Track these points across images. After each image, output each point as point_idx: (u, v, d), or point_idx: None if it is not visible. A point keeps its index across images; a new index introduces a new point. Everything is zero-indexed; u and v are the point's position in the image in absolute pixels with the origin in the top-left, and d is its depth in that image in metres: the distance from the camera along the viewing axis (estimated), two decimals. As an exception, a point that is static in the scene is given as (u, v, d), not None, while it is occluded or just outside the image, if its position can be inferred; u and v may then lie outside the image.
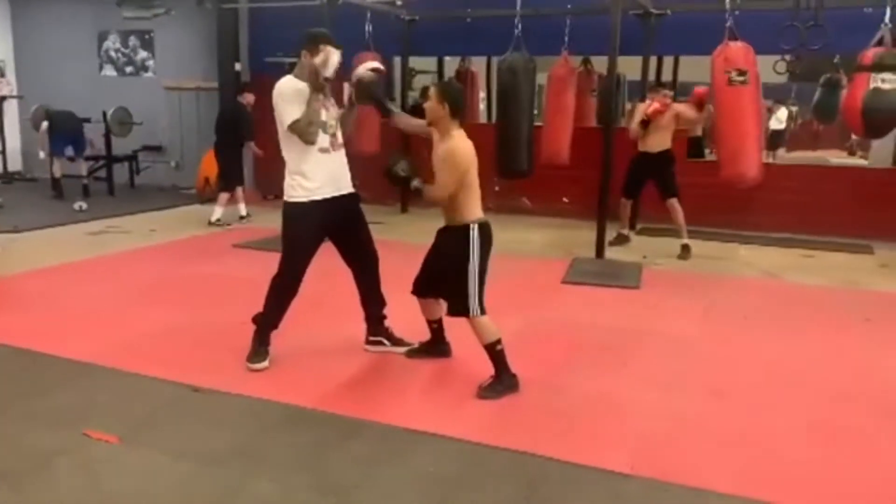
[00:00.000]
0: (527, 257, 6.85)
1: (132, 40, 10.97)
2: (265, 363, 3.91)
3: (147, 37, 10.86)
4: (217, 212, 8.06)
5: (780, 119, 14.63)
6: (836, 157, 14.30)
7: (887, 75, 5.73)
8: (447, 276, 3.66)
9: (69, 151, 9.46)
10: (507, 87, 6.81)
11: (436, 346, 4.09)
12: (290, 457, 3.00)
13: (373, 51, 8.09)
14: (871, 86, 5.77)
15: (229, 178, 8.20)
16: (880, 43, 5.94)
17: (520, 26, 6.72)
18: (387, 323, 4.21)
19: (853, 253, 7.13)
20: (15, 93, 11.62)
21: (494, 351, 3.64)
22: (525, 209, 9.11)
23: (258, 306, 4.06)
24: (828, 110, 8.78)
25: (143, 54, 10.96)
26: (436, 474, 2.86)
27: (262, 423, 3.30)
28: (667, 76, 9.29)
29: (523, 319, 4.83)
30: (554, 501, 2.72)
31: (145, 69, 11.01)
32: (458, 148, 3.53)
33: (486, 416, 3.40)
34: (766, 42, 6.47)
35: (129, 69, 11.11)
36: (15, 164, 11.55)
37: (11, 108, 11.59)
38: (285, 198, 3.87)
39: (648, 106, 6.77)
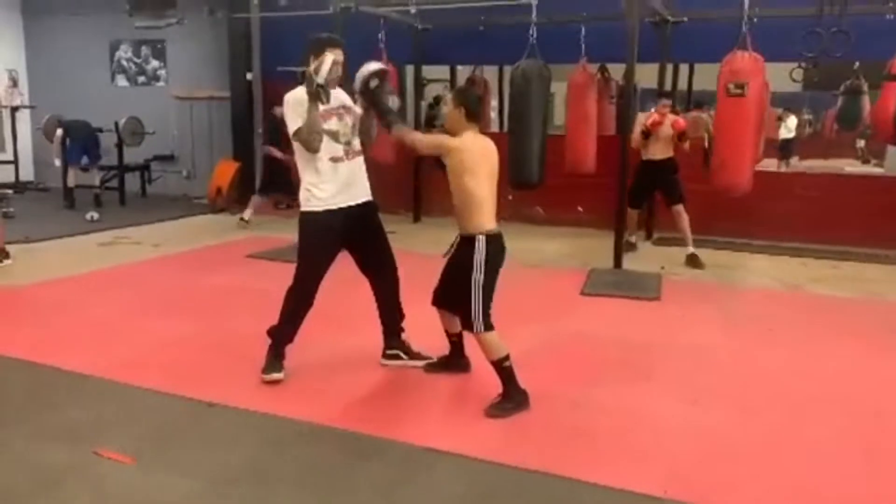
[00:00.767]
0: (543, 267, 6.75)
1: (144, 50, 10.96)
2: (280, 374, 3.82)
3: (159, 46, 10.85)
4: (247, 212, 8.38)
5: (789, 128, 14.46)
6: (850, 166, 14.15)
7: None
8: (457, 287, 3.55)
9: (84, 161, 9.45)
10: (520, 95, 6.70)
11: (454, 360, 3.97)
12: (305, 477, 2.90)
13: (384, 59, 8.04)
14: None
15: (269, 186, 8.40)
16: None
17: (535, 33, 6.63)
18: (405, 336, 4.11)
19: (874, 263, 6.98)
20: (27, 103, 11.63)
21: (502, 367, 3.50)
22: (539, 218, 9.00)
23: (272, 318, 3.98)
24: (851, 118, 8.66)
25: (154, 64, 10.95)
26: (458, 495, 2.75)
27: (277, 440, 3.20)
28: (682, 84, 9.22)
29: (543, 331, 4.72)
30: (582, 525, 2.62)
31: (157, 79, 10.99)
32: (462, 139, 3.47)
33: (509, 434, 3.29)
34: (784, 49, 6.37)
35: (140, 79, 11.10)
36: (27, 173, 11.54)
37: (24, 117, 11.59)
38: (301, 208, 3.80)
39: (648, 117, 6.79)
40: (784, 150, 13.69)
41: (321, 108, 3.63)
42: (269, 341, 3.90)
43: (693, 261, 6.73)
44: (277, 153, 8.07)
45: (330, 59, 3.63)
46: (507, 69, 11.12)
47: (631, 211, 7.11)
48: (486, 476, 2.91)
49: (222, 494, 2.76)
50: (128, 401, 3.60)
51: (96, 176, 9.70)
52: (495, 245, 3.50)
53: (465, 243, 3.55)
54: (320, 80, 3.60)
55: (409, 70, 9.15)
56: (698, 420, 3.45)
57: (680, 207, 6.78)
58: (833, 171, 11.72)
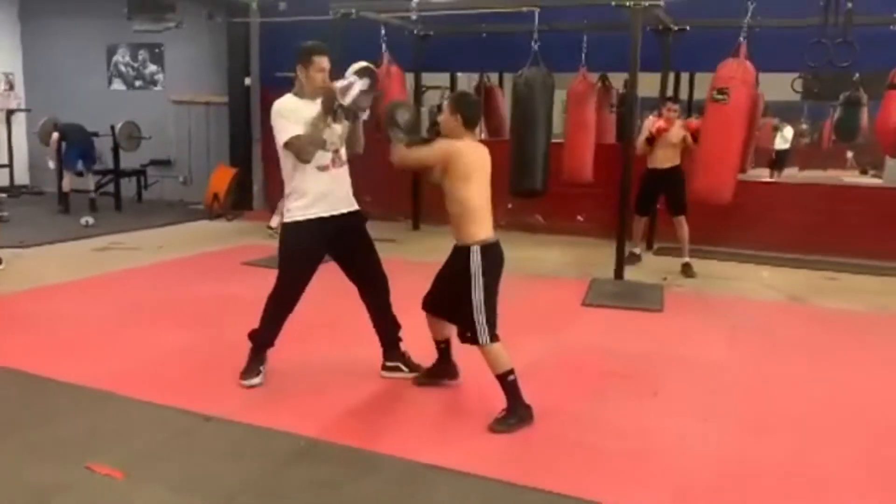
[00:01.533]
0: (543, 277, 6.68)
1: (142, 54, 10.89)
2: (258, 380, 3.82)
3: (157, 51, 10.78)
4: (274, 220, 8.13)
5: (785, 138, 14.38)
6: (848, 177, 14.10)
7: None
8: (454, 300, 3.45)
9: (79, 165, 9.36)
10: (524, 103, 6.65)
11: (443, 367, 3.87)
12: (304, 494, 2.81)
13: (393, 63, 7.97)
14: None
15: None
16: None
17: (538, 42, 6.57)
18: (403, 347, 4.03)
19: (877, 275, 6.92)
20: (23, 106, 11.53)
21: (506, 381, 3.41)
22: (538, 227, 8.94)
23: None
24: (849, 129, 8.62)
25: (152, 68, 10.88)
26: (463, 517, 2.67)
27: (275, 456, 3.10)
28: (681, 93, 9.17)
29: (544, 344, 4.64)
30: (591, 548, 2.53)
31: (154, 83, 10.91)
32: (456, 142, 3.38)
33: (512, 449, 3.21)
34: (786, 59, 6.31)
35: (138, 83, 11.02)
36: (22, 177, 11.44)
37: (19, 121, 11.50)
38: (283, 219, 3.78)
39: (653, 123, 6.67)
40: (778, 160, 13.63)
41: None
42: (250, 345, 3.88)
43: (686, 270, 6.70)
44: None
45: (360, 85, 3.54)
46: (507, 76, 11.20)
47: (637, 218, 7.04)
48: (489, 493, 2.82)
49: (220, 513, 2.68)
50: (122, 413, 3.51)
51: (91, 180, 9.60)
52: (491, 254, 3.41)
53: (459, 253, 3.45)
54: (346, 101, 3.53)
55: (409, 77, 9.10)
56: (708, 438, 3.37)
57: (682, 218, 6.73)
58: (832, 182, 11.67)
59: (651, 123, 6.72)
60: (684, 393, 3.94)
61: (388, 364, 4.01)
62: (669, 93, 8.16)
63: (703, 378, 4.16)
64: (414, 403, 3.72)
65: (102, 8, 10.54)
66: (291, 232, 3.73)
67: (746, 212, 7.71)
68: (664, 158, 6.77)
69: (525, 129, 6.64)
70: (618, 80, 9.31)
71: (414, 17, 7.19)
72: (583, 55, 7.67)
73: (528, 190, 6.70)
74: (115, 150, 9.85)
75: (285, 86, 3.84)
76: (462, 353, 3.74)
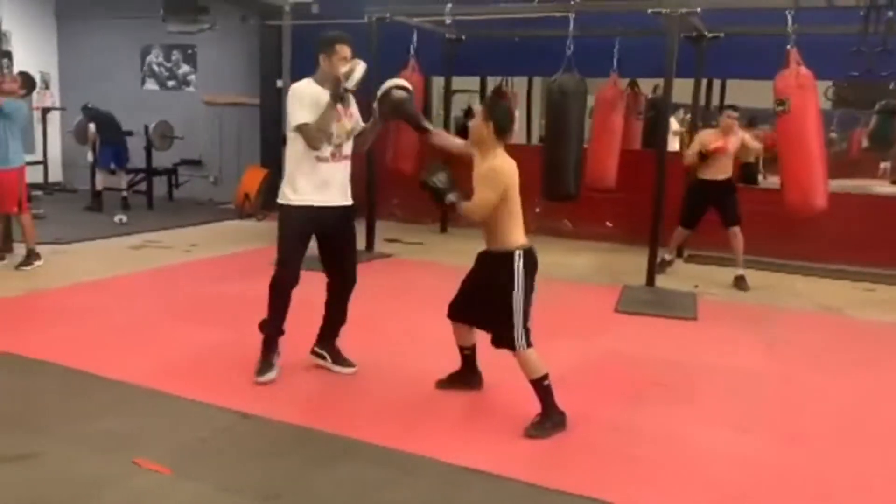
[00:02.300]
0: (573, 282, 6.67)
1: (175, 55, 11.02)
2: (273, 375, 3.90)
3: (190, 52, 10.90)
4: None
5: None
6: (879, 186, 13.90)
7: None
8: (490, 306, 3.45)
9: (112, 164, 9.50)
10: (557, 108, 6.65)
11: (467, 375, 3.87)
12: (344, 495, 2.83)
13: (416, 69, 8.02)
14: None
15: None
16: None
17: (572, 47, 6.56)
18: (338, 342, 4.13)
19: (911, 287, 6.84)
20: (57, 104, 11.71)
21: (541, 387, 3.42)
22: (566, 232, 8.93)
23: (301, 328, 4.06)
24: (884, 138, 8.51)
25: (185, 69, 11.00)
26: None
27: (315, 455, 3.14)
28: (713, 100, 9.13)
29: (579, 350, 4.64)
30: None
31: (187, 83, 11.04)
32: (500, 166, 3.39)
33: (545, 455, 3.21)
34: (817, 68, 6.24)
35: (171, 83, 11.15)
36: (55, 174, 11.60)
37: (54, 119, 11.66)
38: (279, 199, 3.90)
39: (712, 141, 6.43)
40: None
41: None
42: (262, 338, 3.98)
43: (740, 283, 6.56)
44: None
45: (362, 68, 3.67)
46: (537, 80, 11.22)
47: (682, 230, 6.93)
48: (525, 497, 2.84)
49: (265, 511, 2.71)
50: (163, 409, 3.56)
51: (123, 179, 9.73)
52: (531, 259, 3.44)
53: (494, 260, 3.46)
54: (350, 84, 3.65)
55: (439, 81, 9.16)
56: (745, 448, 3.36)
57: (737, 229, 6.54)
58: (863, 192, 11.52)
59: (709, 140, 6.47)
60: (721, 402, 3.92)
61: (317, 350, 4.13)
62: (700, 99, 8.15)
63: (739, 388, 4.13)
64: (450, 406, 3.73)
65: (137, 9, 10.68)
66: (285, 215, 3.88)
67: (779, 221, 7.65)
68: (719, 170, 6.53)
69: (558, 133, 6.65)
70: (646, 85, 9.31)
71: (448, 21, 7.22)
72: (615, 61, 7.67)
73: (561, 194, 6.69)
74: (148, 149, 9.97)
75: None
76: (491, 357, 3.74)
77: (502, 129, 3.41)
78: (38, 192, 10.01)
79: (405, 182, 7.43)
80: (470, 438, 3.39)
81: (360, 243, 7.38)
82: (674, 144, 9.41)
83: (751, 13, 7.28)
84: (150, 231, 8.25)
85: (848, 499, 2.96)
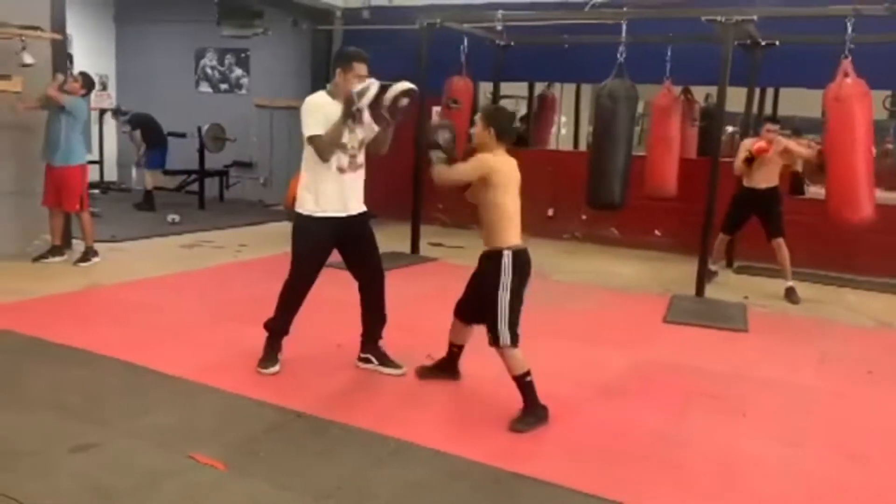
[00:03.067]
0: (621, 291, 6.63)
1: (228, 58, 11.25)
2: (276, 368, 4.04)
3: (243, 55, 11.11)
4: None
5: None
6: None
7: None
8: (483, 303, 3.58)
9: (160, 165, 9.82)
10: (606, 115, 6.60)
11: (448, 367, 4.01)
12: (398, 496, 2.86)
13: (466, 75, 8.06)
14: None
15: None
16: None
17: (624, 53, 6.52)
18: (381, 343, 4.19)
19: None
20: (114, 106, 12.03)
21: (524, 382, 3.52)
22: (613, 239, 8.87)
23: (348, 328, 4.22)
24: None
25: (237, 72, 11.22)
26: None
27: (368, 456, 3.17)
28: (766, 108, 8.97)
29: (627, 359, 4.61)
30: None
31: (239, 87, 11.25)
32: (491, 158, 3.52)
33: (594, 463, 3.20)
34: (874, 77, 6.09)
35: (223, 86, 11.38)
36: (110, 174, 11.92)
37: (110, 120, 11.98)
38: (296, 208, 3.98)
39: (753, 143, 6.48)
40: None
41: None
42: (266, 334, 4.11)
43: (790, 295, 6.43)
44: None
45: (376, 88, 3.71)
46: (585, 87, 11.16)
47: (722, 236, 6.87)
48: (580, 507, 2.83)
49: (319, 509, 2.75)
50: (216, 405, 3.63)
51: (164, 179, 10.00)
52: (521, 260, 3.54)
53: (487, 258, 3.59)
54: (362, 104, 3.71)
55: (486, 86, 9.17)
56: (801, 464, 3.30)
57: (781, 241, 6.46)
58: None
59: (751, 144, 6.49)
60: (773, 416, 3.86)
61: (362, 355, 4.21)
62: (754, 107, 8.03)
63: (790, 401, 4.06)
64: (497, 409, 3.69)
65: (192, 14, 10.95)
66: (304, 226, 3.95)
67: (830, 233, 7.49)
68: (763, 178, 6.50)
69: (606, 140, 6.60)
70: (698, 93, 9.19)
71: (499, 27, 7.24)
72: (667, 67, 7.60)
73: (606, 203, 6.65)
74: (201, 150, 10.19)
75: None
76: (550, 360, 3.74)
77: (502, 133, 3.57)
78: (95, 191, 10.27)
79: (449, 189, 7.47)
80: (521, 444, 3.38)
81: (405, 247, 7.56)
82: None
83: (806, 21, 7.15)
84: (202, 231, 8.43)
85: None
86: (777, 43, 7.44)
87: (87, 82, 6.59)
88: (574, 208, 8.98)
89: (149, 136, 9.91)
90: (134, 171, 9.97)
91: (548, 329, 5.21)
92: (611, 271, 7.41)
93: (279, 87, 10.71)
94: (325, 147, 3.79)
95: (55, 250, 6.47)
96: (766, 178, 6.52)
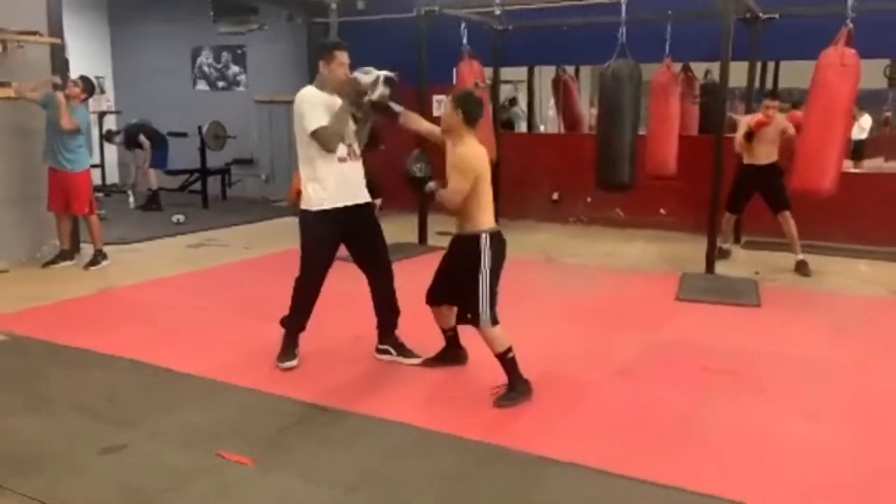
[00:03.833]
0: (630, 271, 6.63)
1: (225, 56, 11.21)
2: (294, 362, 4.06)
3: (239, 52, 11.07)
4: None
5: (862, 127, 13.66)
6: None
7: None
8: (460, 285, 3.63)
9: (165, 165, 9.82)
10: (611, 95, 6.58)
11: (452, 353, 4.07)
12: (426, 485, 2.87)
13: (473, 60, 8.00)
14: None
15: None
16: None
17: (624, 33, 6.49)
18: (397, 333, 4.22)
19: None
20: (113, 108, 12.00)
21: (506, 359, 3.60)
22: (618, 221, 8.87)
23: (362, 322, 4.27)
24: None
25: (234, 69, 11.19)
26: (588, 509, 2.68)
27: (392, 447, 3.18)
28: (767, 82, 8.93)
29: (643, 339, 4.61)
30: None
31: (237, 84, 11.22)
32: (469, 153, 3.56)
33: (630, 447, 3.19)
34: (875, 46, 6.04)
35: (221, 84, 11.35)
36: (112, 176, 11.90)
37: (109, 122, 11.94)
38: (301, 205, 3.98)
39: (753, 118, 6.47)
40: (855, 151, 13.03)
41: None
42: (283, 331, 4.13)
43: (801, 268, 6.45)
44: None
45: (382, 81, 3.74)
46: (584, 70, 11.13)
47: (729, 215, 6.87)
48: (608, 486, 2.83)
49: (350, 501, 2.75)
50: (238, 402, 3.64)
51: (170, 180, 10.02)
52: (497, 241, 3.61)
53: (464, 242, 3.65)
54: (375, 97, 3.74)
55: (486, 72, 9.12)
56: (823, 437, 3.31)
57: (787, 213, 6.47)
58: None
59: (750, 119, 6.49)
60: (792, 390, 3.86)
61: (380, 346, 4.23)
62: (755, 82, 7.99)
63: (810, 375, 4.07)
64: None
65: (187, 12, 10.91)
66: (311, 221, 3.95)
67: (837, 204, 7.48)
68: (763, 154, 6.50)
69: (612, 121, 6.57)
70: (696, 69, 9.16)
71: (497, 12, 7.20)
72: (667, 46, 7.56)
73: (616, 184, 6.63)
74: (202, 149, 10.17)
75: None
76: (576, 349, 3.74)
77: (471, 117, 3.60)
78: (98, 195, 10.25)
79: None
80: (543, 429, 3.39)
81: (412, 237, 7.55)
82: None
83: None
84: (207, 230, 8.44)
85: (934, 486, 2.90)
86: (777, 16, 7.40)
87: (88, 86, 6.57)
88: (579, 191, 8.98)
89: (152, 139, 9.91)
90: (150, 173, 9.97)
91: (562, 312, 5.24)
92: (619, 252, 7.41)
93: (277, 83, 10.65)
94: (332, 137, 3.79)
95: (64, 255, 6.48)
96: (766, 154, 6.53)
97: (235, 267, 6.73)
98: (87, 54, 11.31)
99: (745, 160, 6.64)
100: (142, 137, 9.87)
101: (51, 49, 6.55)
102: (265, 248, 7.45)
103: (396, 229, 6.35)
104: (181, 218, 8.83)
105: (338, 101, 3.82)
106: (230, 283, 6.14)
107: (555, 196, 9.21)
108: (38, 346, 4.41)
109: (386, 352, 4.20)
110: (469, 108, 3.60)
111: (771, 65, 8.85)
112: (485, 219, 3.60)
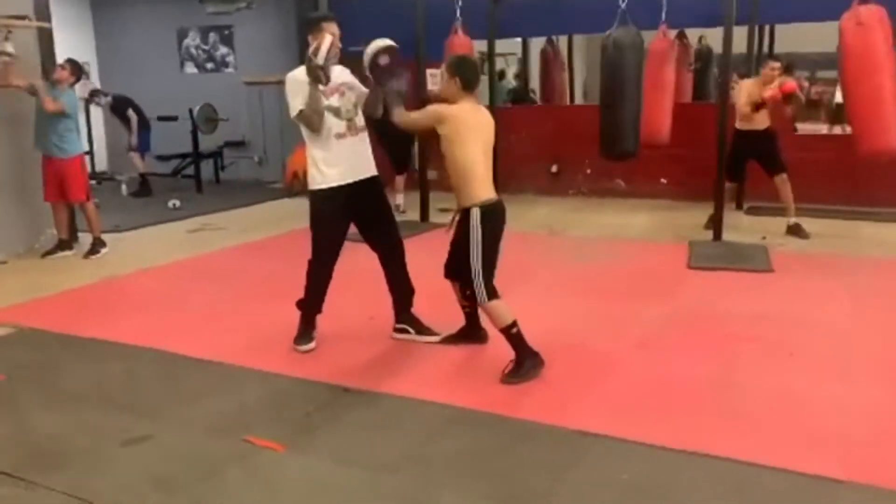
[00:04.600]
0: (636, 242, 6.60)
1: (212, 36, 10.99)
2: (312, 345, 3.99)
3: (227, 32, 10.87)
4: (398, 198, 7.90)
5: None
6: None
7: None
8: (462, 260, 3.55)
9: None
10: (614, 64, 6.48)
11: (471, 331, 3.97)
12: (465, 463, 2.82)
13: (464, 34, 7.89)
14: None
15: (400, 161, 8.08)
16: None
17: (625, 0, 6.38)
18: (414, 311, 4.14)
19: None
20: (92, 87, 11.73)
21: (510, 334, 3.50)
22: (619, 191, 8.82)
23: (374, 301, 4.26)
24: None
25: (223, 50, 10.98)
26: (630, 482, 2.64)
27: (422, 425, 3.13)
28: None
29: (662, 309, 4.58)
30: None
31: (226, 65, 11.03)
32: (445, 106, 3.52)
33: (665, 418, 3.14)
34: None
35: (209, 66, 11.14)
36: (101, 163, 11.71)
37: (97, 109, 11.72)
38: (308, 187, 3.90)
39: (766, 90, 6.30)
40: (839, 113, 13.06)
41: (321, 87, 3.69)
42: (297, 313, 4.05)
43: (796, 230, 6.46)
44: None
45: (328, 41, 3.66)
46: (577, 39, 11.02)
47: (729, 185, 6.81)
48: (652, 459, 2.79)
49: (388, 484, 2.70)
50: (260, 386, 3.57)
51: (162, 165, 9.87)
52: (492, 214, 3.50)
53: (461, 215, 3.58)
54: (319, 61, 3.64)
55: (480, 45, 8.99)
56: (858, 399, 3.28)
57: (784, 176, 6.47)
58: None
59: (756, 91, 6.36)
60: (820, 354, 3.83)
61: (397, 326, 4.15)
62: (754, 47, 7.93)
63: (835, 338, 4.04)
64: (554, 368, 3.61)
65: (172, -8, 10.70)
66: (319, 201, 3.87)
67: (834, 166, 7.47)
68: (762, 120, 6.48)
69: (616, 90, 6.48)
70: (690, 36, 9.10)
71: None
72: (663, 12, 7.45)
73: (621, 153, 6.56)
74: (194, 132, 10.00)
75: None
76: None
77: (468, 82, 3.53)
78: (93, 182, 10.10)
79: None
80: (574, 401, 3.34)
81: (415, 216, 7.47)
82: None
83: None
84: (204, 214, 8.30)
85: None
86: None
87: (76, 69, 6.39)
88: (578, 163, 8.92)
89: (140, 116, 9.74)
90: (135, 157, 9.77)
91: (573, 285, 5.19)
92: (623, 223, 7.37)
93: (267, 63, 10.47)
94: (309, 118, 3.71)
95: (63, 244, 6.35)
96: (762, 119, 6.50)
97: (238, 250, 6.62)
98: (69, 39, 11.04)
99: (744, 126, 6.56)
100: (130, 111, 9.67)
101: (38, 34, 6.37)
102: (265, 231, 7.34)
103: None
104: (177, 203, 8.69)
105: (332, 76, 3.71)
106: (235, 266, 6.04)
107: (553, 168, 9.13)
108: (47, 338, 4.31)
109: (403, 331, 4.14)
110: (466, 74, 3.54)
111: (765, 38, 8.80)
112: (476, 191, 3.50)
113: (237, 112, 10.67)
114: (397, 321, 4.16)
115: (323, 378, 3.61)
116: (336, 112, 3.80)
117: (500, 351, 3.84)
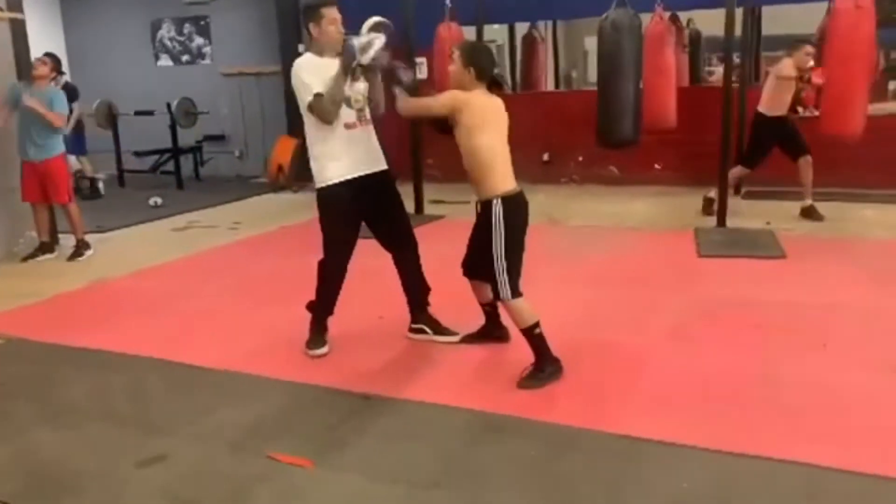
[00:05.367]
0: (638, 230, 6.46)
1: (187, 27, 10.63)
2: (324, 349, 3.78)
3: (203, 23, 10.50)
4: None
5: None
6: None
7: None
8: (483, 256, 3.35)
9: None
10: (611, 47, 6.31)
11: (491, 330, 3.79)
12: (512, 473, 2.64)
13: (451, 21, 7.68)
14: None
15: None
16: None
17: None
18: (430, 310, 3.96)
19: None
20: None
21: (532, 335, 3.32)
22: (614, 179, 8.68)
23: (387, 299, 4.02)
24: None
25: (199, 41, 10.62)
26: (693, 491, 2.47)
27: (457, 433, 2.94)
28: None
29: (681, 299, 4.44)
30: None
31: (202, 56, 10.66)
32: (462, 93, 3.29)
33: (712, 418, 2.97)
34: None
35: (185, 58, 10.77)
36: (74, 162, 11.28)
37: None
38: (315, 183, 3.66)
39: (809, 72, 6.11)
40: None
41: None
42: (310, 316, 3.85)
43: (811, 213, 6.37)
44: None
45: (381, 42, 3.41)
46: (560, 24, 10.85)
47: (742, 169, 6.69)
48: (703, 463, 2.63)
49: (435, 500, 2.51)
50: (277, 396, 3.35)
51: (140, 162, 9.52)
52: (514, 206, 3.31)
53: (481, 208, 3.37)
54: (365, 60, 3.40)
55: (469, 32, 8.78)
56: (903, 389, 3.16)
57: (809, 158, 6.34)
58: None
59: (796, 69, 6.17)
60: (854, 342, 3.71)
61: (414, 326, 3.96)
62: (750, 30, 7.82)
63: (866, 325, 3.93)
64: (570, 371, 3.43)
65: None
66: (329, 198, 3.64)
67: (832, 149, 7.38)
68: (785, 104, 6.37)
69: (614, 75, 6.31)
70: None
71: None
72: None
73: (620, 140, 6.40)
74: (173, 127, 9.67)
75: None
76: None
77: (483, 72, 3.31)
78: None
79: (436, 140, 7.24)
80: (614, 405, 3.17)
81: (409, 207, 7.24)
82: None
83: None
84: (188, 211, 8.01)
85: None
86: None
87: (57, 64, 6.07)
88: (569, 151, 8.75)
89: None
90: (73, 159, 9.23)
91: (585, 276, 5.04)
92: (623, 211, 7.23)
93: (245, 54, 10.18)
94: (328, 107, 3.45)
95: (44, 247, 6.05)
96: (787, 103, 6.39)
97: (230, 248, 6.36)
98: (37, 34, 10.61)
99: (774, 112, 6.39)
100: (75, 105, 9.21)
101: (11, 26, 6.03)
102: (255, 228, 7.09)
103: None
104: (158, 200, 8.38)
105: (337, 65, 3.45)
106: (230, 265, 5.78)
107: (545, 157, 8.96)
108: (40, 349, 4.04)
109: (420, 331, 3.94)
110: (481, 62, 3.31)
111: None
112: (496, 182, 3.29)
113: (215, 105, 10.33)
114: (413, 321, 3.96)
115: (340, 385, 3.40)
116: (347, 101, 3.55)
117: (523, 351, 3.67)
